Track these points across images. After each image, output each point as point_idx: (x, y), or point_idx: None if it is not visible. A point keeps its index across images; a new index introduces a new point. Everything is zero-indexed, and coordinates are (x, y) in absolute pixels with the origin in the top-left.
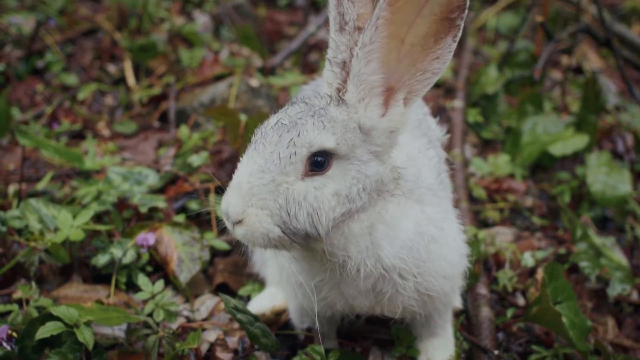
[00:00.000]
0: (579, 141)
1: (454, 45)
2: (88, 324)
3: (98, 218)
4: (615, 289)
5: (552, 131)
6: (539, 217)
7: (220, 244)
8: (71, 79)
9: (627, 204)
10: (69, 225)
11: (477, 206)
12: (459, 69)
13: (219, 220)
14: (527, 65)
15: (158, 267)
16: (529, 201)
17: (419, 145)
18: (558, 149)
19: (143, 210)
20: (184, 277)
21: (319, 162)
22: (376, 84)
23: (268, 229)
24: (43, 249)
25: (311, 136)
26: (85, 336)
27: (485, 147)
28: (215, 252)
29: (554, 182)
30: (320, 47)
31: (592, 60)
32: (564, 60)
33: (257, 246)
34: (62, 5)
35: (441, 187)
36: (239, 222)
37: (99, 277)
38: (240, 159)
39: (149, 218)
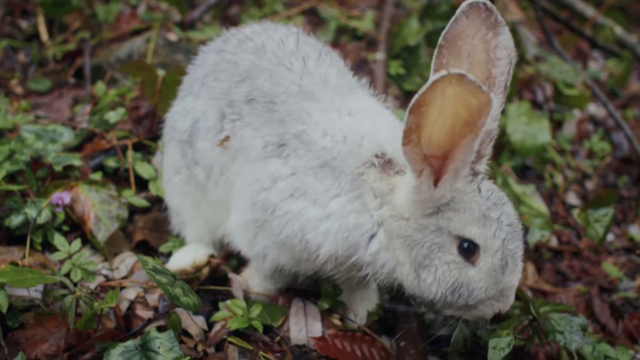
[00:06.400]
0: None
1: None
2: (1, 286)
3: (11, 178)
4: (535, 236)
5: None
6: None
7: (139, 201)
8: None
9: (546, 152)
10: None
11: None
12: (380, 22)
13: (137, 177)
14: (448, 17)
15: (75, 227)
16: None
17: None
18: None
19: (58, 168)
20: (101, 235)
21: None
22: None
23: None
24: None
25: None
26: None
27: (407, 98)
28: (134, 210)
29: None
30: (241, 0)
31: (512, 11)
32: None
33: None
34: None
35: None
36: None
37: (14, 238)
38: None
39: (65, 177)
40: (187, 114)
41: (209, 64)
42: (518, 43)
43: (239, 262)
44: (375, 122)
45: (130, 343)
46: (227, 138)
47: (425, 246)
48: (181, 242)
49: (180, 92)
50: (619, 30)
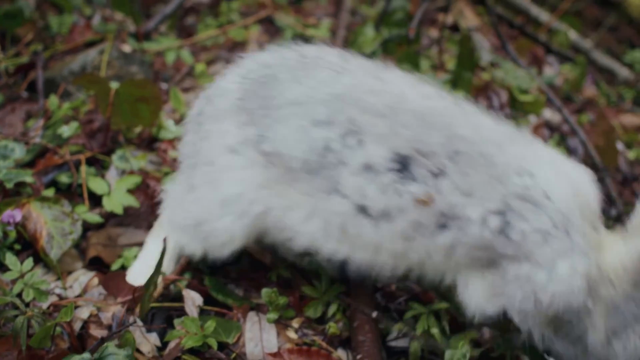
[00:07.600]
0: None
1: None
2: None
3: None
4: None
5: None
6: None
7: (93, 217)
8: None
9: None
10: None
11: None
12: (336, 30)
13: (90, 193)
14: (404, 24)
15: (27, 245)
16: None
17: None
18: None
19: (9, 185)
20: (54, 253)
21: None
22: None
23: None
24: None
25: None
26: None
27: None
28: (87, 226)
29: None
30: (197, 10)
31: (468, 18)
32: (441, 18)
33: None
34: None
35: None
36: None
37: None
38: None
39: (17, 194)
40: (302, 142)
41: (336, 87)
42: (472, 50)
43: (192, 276)
44: (560, 170)
45: (86, 355)
46: (431, 197)
47: (626, 316)
48: (134, 255)
49: (267, 110)
50: (573, 35)
